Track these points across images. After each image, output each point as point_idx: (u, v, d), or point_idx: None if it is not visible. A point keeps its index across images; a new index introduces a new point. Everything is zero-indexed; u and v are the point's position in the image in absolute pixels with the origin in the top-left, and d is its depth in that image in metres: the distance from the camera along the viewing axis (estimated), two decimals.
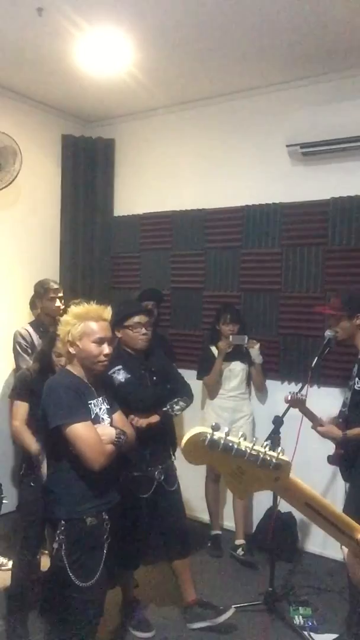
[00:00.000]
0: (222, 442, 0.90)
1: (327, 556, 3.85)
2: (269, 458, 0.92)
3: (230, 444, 0.91)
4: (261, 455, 0.92)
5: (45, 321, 3.80)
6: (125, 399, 2.73)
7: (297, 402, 3.04)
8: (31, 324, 3.84)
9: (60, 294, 3.91)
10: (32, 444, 2.80)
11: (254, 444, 0.91)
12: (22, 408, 2.90)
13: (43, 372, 2.82)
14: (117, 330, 2.92)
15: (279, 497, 3.15)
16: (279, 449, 0.95)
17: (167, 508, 2.97)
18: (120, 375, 2.80)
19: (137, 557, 2.99)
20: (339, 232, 3.79)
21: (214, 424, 0.92)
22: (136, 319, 2.89)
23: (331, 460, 2.96)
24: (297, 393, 3.05)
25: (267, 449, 0.93)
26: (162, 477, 2.91)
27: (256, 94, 4.11)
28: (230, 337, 3.78)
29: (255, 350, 3.85)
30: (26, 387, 2.91)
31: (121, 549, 2.77)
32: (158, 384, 2.94)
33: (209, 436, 0.90)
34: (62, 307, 3.84)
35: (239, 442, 0.92)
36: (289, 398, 3.03)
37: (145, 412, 2.81)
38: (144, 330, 2.89)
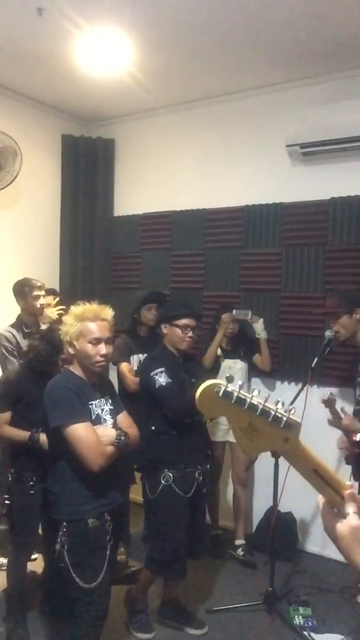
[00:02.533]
0: (235, 394, 0.92)
1: (327, 556, 3.84)
2: (280, 416, 0.93)
3: (243, 397, 0.92)
4: (273, 412, 0.93)
5: (27, 321, 3.68)
6: (164, 403, 2.77)
7: (330, 403, 3.05)
8: (13, 325, 3.68)
9: (43, 292, 3.78)
10: (21, 433, 2.74)
11: (266, 400, 0.93)
12: (3, 418, 2.80)
13: (36, 376, 2.74)
14: (164, 326, 2.93)
15: (279, 497, 3.16)
16: (291, 407, 0.96)
17: (200, 511, 2.98)
18: (162, 378, 2.78)
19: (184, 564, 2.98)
20: (339, 232, 3.79)
21: (227, 375, 0.94)
22: (187, 320, 2.90)
23: (349, 460, 2.98)
24: (331, 394, 3.05)
25: (279, 406, 0.94)
26: (200, 479, 2.89)
27: (256, 94, 4.11)
28: (234, 310, 3.78)
29: (259, 325, 3.84)
30: (11, 394, 2.80)
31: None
32: (197, 388, 2.92)
33: (222, 387, 0.92)
34: (53, 305, 3.77)
35: (252, 397, 0.93)
36: (325, 398, 3.05)
37: (184, 417, 2.80)
38: (190, 333, 2.91)
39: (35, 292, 3.70)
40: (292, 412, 0.95)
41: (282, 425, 0.93)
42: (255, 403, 0.92)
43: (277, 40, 3.34)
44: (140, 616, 3.01)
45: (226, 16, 3.08)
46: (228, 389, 0.92)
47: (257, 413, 0.92)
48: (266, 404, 0.93)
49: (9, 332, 3.59)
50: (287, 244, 4.00)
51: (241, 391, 0.92)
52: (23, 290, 3.72)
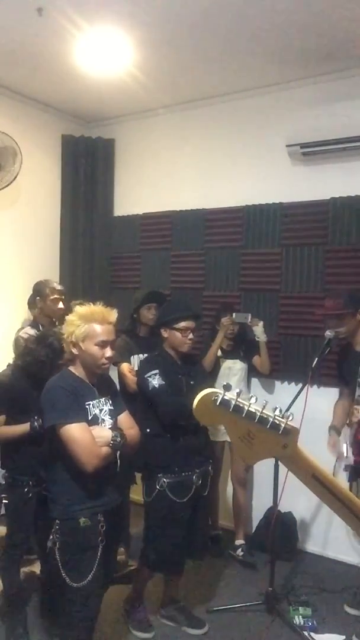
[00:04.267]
0: (233, 402, 0.90)
1: (327, 556, 3.85)
2: (278, 422, 0.92)
3: (241, 405, 0.91)
4: (271, 419, 0.91)
5: (44, 322, 3.69)
6: (156, 406, 2.78)
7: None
8: (31, 326, 3.66)
9: (64, 296, 3.77)
10: (19, 426, 2.72)
11: (264, 407, 0.91)
12: None
13: (30, 379, 2.72)
14: (163, 330, 2.93)
15: (279, 497, 3.15)
16: (289, 414, 0.94)
17: (201, 513, 2.97)
18: (155, 381, 2.79)
19: (181, 561, 2.98)
20: (339, 232, 3.78)
21: (225, 384, 0.92)
22: (186, 323, 2.90)
23: (349, 469, 3.00)
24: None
25: (276, 412, 0.93)
26: (200, 482, 2.88)
27: (256, 94, 4.11)
28: (234, 314, 3.78)
29: (259, 328, 3.82)
30: (5, 397, 2.79)
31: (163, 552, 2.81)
32: (195, 389, 2.92)
33: (220, 396, 0.90)
34: (64, 308, 3.75)
35: (250, 404, 0.92)
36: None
37: (175, 420, 2.78)
38: (190, 335, 2.92)
39: (56, 295, 3.69)
40: (290, 418, 0.94)
41: (280, 432, 0.92)
42: (253, 410, 0.91)
43: (277, 40, 3.34)
44: (139, 615, 3.01)
45: (226, 16, 3.08)
46: (225, 397, 0.90)
47: (255, 420, 0.91)
48: (264, 411, 0.91)
49: (27, 333, 3.52)
50: (287, 244, 4.00)
51: (239, 399, 0.91)
52: (43, 291, 3.71)
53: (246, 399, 0.92)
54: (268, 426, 0.91)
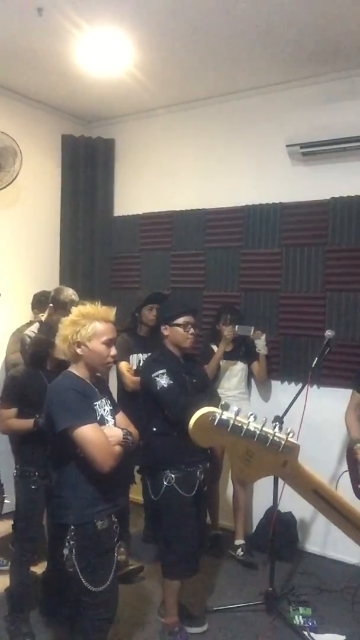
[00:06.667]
0: (231, 422, 0.87)
1: (327, 556, 3.84)
2: (278, 440, 0.89)
3: (240, 424, 0.88)
4: (270, 437, 0.89)
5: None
6: (165, 405, 2.77)
7: None
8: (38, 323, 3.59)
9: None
10: (25, 422, 2.78)
11: (263, 425, 0.89)
12: (9, 413, 2.84)
13: (39, 374, 2.79)
14: (164, 328, 2.92)
15: (279, 497, 3.16)
16: (289, 430, 0.92)
17: (202, 508, 2.98)
18: (164, 380, 2.77)
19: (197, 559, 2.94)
20: (339, 232, 3.78)
21: (223, 402, 0.90)
22: (186, 318, 2.90)
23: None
24: None
25: (276, 430, 0.90)
26: (202, 477, 2.89)
27: (256, 94, 4.11)
28: (237, 326, 3.77)
29: (261, 341, 3.83)
30: (16, 391, 2.85)
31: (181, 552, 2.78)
32: (198, 389, 2.93)
33: (217, 416, 0.88)
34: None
35: (249, 423, 0.89)
36: None
37: (185, 419, 2.76)
38: (192, 330, 2.91)
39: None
40: (291, 435, 0.92)
41: (280, 450, 0.90)
42: (252, 429, 0.88)
43: (277, 40, 3.34)
44: (181, 634, 2.89)
45: (226, 16, 3.08)
46: (223, 417, 0.87)
47: (255, 439, 0.88)
48: (263, 429, 0.89)
49: (33, 332, 3.49)
50: (287, 244, 4.00)
51: (237, 417, 0.88)
52: (62, 305, 3.51)
53: (245, 417, 0.90)
54: (267, 444, 0.89)
